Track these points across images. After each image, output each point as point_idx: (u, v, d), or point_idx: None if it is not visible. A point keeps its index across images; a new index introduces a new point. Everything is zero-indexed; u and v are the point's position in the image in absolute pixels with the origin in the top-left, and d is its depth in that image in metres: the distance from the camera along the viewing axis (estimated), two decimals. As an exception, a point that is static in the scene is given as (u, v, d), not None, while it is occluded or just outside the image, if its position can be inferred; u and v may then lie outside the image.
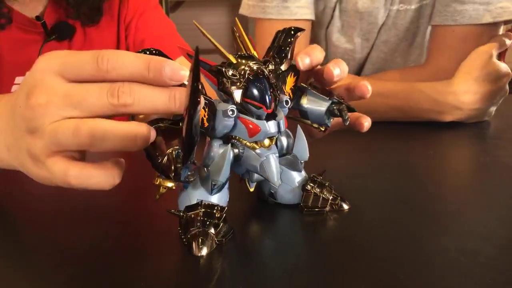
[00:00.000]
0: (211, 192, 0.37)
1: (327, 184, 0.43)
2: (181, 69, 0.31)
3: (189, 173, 0.34)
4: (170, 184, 0.34)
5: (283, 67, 0.41)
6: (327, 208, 0.42)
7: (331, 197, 0.42)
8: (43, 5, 0.78)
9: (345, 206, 0.42)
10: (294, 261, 0.34)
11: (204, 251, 0.35)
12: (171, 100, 0.32)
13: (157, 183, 0.34)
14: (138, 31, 0.87)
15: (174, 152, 0.33)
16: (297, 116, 0.44)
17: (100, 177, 0.32)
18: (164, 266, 0.34)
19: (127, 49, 0.88)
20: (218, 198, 0.38)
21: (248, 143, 0.37)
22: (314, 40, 1.01)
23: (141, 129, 0.31)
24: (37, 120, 0.31)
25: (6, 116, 0.35)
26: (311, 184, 0.42)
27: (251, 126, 0.36)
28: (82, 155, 0.34)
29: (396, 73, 0.87)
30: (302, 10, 0.87)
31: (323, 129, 0.43)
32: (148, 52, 0.34)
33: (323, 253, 0.35)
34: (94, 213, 0.44)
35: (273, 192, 0.43)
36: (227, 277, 0.32)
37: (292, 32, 0.43)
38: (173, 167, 0.33)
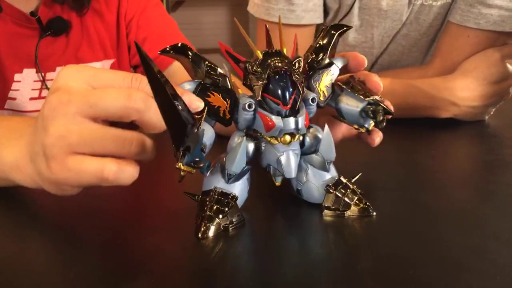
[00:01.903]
0: (227, 181, 0.39)
1: (353, 188, 0.42)
2: (197, 100, 0.35)
3: (197, 159, 0.35)
4: (188, 170, 0.35)
5: (319, 65, 0.42)
6: (348, 213, 0.41)
7: (353, 202, 0.41)
8: (37, 1, 0.77)
9: (369, 210, 0.41)
10: (298, 259, 0.35)
11: (206, 235, 0.37)
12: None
13: (177, 167, 0.35)
14: (140, 29, 0.86)
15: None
16: (338, 116, 0.44)
17: (130, 172, 0.35)
18: (174, 258, 0.35)
19: (129, 47, 0.88)
20: (238, 188, 0.39)
21: (268, 138, 0.38)
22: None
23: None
24: (54, 119, 0.33)
25: (32, 128, 0.37)
26: (334, 186, 0.41)
27: (266, 120, 0.37)
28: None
29: (399, 72, 0.86)
30: (309, 14, 0.82)
31: (363, 131, 0.43)
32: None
33: (330, 250, 0.36)
34: (104, 206, 0.44)
35: (299, 189, 0.43)
36: (238, 270, 0.33)
37: (334, 31, 0.43)
38: (174, 154, 0.34)
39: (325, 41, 0.43)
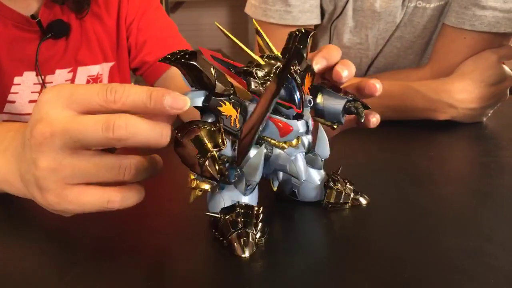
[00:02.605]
0: (244, 192, 0.37)
1: (346, 180, 0.44)
2: (182, 97, 0.33)
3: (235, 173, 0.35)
4: (206, 186, 0.35)
5: (302, 68, 0.41)
6: (350, 204, 0.43)
7: (352, 193, 0.43)
8: (37, 3, 0.78)
9: (363, 201, 0.44)
10: (307, 258, 0.35)
11: (248, 252, 0.35)
12: (164, 137, 0.33)
13: (194, 185, 0.34)
14: (140, 32, 0.87)
15: (216, 154, 0.34)
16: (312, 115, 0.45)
17: (135, 197, 0.35)
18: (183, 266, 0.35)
19: (129, 50, 0.88)
20: (250, 199, 0.38)
21: (276, 143, 0.38)
22: (316, 34, 0.98)
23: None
24: (45, 151, 0.33)
25: (19, 145, 0.36)
26: (334, 181, 0.43)
27: (281, 125, 0.37)
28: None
29: (396, 74, 0.87)
30: (305, 15, 0.82)
31: (336, 127, 0.44)
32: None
33: (329, 252, 0.37)
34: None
35: (295, 191, 0.43)
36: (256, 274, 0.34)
37: (306, 33, 0.43)
38: (217, 169, 0.33)
39: (301, 44, 0.42)
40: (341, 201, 0.43)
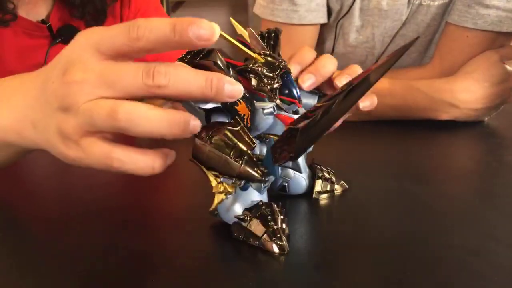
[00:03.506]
0: (261, 191, 0.37)
1: (327, 168, 0.46)
2: (209, 24, 0.30)
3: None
4: (232, 189, 0.34)
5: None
6: (338, 190, 0.46)
7: (335, 179, 0.46)
8: (47, 9, 0.78)
9: (346, 186, 0.47)
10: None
11: (286, 248, 0.35)
12: (208, 85, 0.31)
13: (221, 189, 0.33)
14: None
15: (250, 152, 0.33)
16: None
17: (142, 163, 0.32)
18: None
19: None
20: (262, 197, 0.38)
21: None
22: (322, 33, 0.99)
23: (181, 117, 0.30)
24: (72, 97, 0.31)
25: (36, 91, 0.34)
26: (320, 171, 0.45)
27: (290, 121, 0.36)
28: (114, 138, 0.33)
29: (398, 72, 0.87)
30: (312, 14, 0.83)
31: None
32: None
33: (330, 248, 0.36)
34: (106, 214, 0.44)
35: (285, 185, 0.44)
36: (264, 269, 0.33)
37: (277, 33, 0.43)
38: (256, 168, 0.33)
39: (275, 43, 0.42)
40: (328, 189, 0.45)
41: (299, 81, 0.43)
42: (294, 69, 0.44)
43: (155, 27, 0.30)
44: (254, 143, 0.33)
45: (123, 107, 0.30)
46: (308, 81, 0.43)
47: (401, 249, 0.35)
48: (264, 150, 0.37)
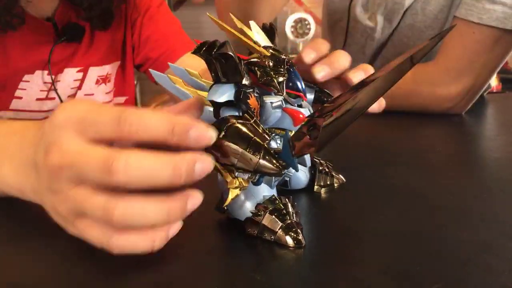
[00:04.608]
0: (272, 185, 0.37)
1: (326, 161, 0.47)
2: (208, 131, 0.29)
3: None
4: (247, 184, 0.33)
5: None
6: (336, 184, 0.46)
7: (334, 173, 0.46)
8: (53, 7, 0.78)
9: (343, 179, 0.47)
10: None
11: (303, 241, 0.34)
12: (176, 175, 0.28)
13: (237, 184, 0.33)
14: (143, 27, 0.87)
15: (266, 145, 0.33)
16: None
17: (141, 245, 0.30)
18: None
19: (133, 47, 0.88)
20: (273, 191, 0.37)
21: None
22: (335, 14, 0.99)
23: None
24: (56, 183, 0.30)
25: (30, 160, 0.33)
26: (320, 165, 0.46)
27: (296, 115, 0.37)
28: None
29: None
30: None
31: None
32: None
33: (337, 244, 0.36)
34: None
35: (287, 180, 0.44)
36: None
37: (273, 27, 0.43)
38: (275, 161, 0.32)
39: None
40: (328, 183, 0.45)
41: (313, 70, 0.43)
42: (308, 56, 0.44)
43: (151, 127, 0.28)
44: (269, 135, 0.33)
45: (118, 209, 0.28)
46: (322, 72, 0.44)
47: (408, 245, 0.35)
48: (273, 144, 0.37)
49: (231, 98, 0.33)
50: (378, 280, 0.30)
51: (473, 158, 0.60)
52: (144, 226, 0.30)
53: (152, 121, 0.29)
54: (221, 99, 0.33)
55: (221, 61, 0.32)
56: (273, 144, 0.35)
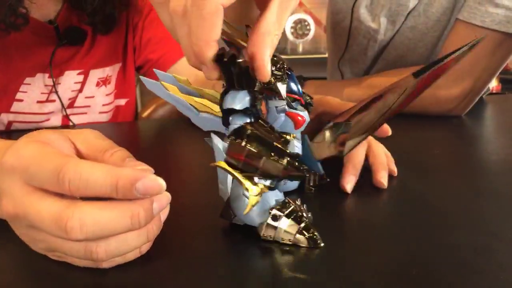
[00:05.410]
0: (280, 189, 0.37)
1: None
2: (157, 180, 0.29)
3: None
4: (267, 190, 0.33)
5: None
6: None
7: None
8: (56, 10, 0.78)
9: (327, 178, 0.46)
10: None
11: (321, 241, 0.35)
12: (135, 223, 0.29)
13: (258, 191, 0.33)
14: (145, 30, 0.87)
15: (288, 150, 0.33)
16: None
17: (131, 254, 0.32)
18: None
19: (134, 49, 0.89)
20: (280, 195, 0.37)
21: (287, 137, 0.38)
22: (338, 14, 0.99)
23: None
24: (15, 228, 0.32)
25: None
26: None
27: (300, 118, 0.38)
28: None
29: (403, 72, 0.87)
30: None
31: None
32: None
33: (334, 247, 0.36)
34: None
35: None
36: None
37: None
38: (300, 167, 0.33)
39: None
40: (317, 183, 0.45)
41: (343, 182, 0.45)
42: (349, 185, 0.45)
43: (93, 184, 0.27)
44: (286, 140, 0.34)
45: (99, 247, 0.29)
46: (350, 184, 0.45)
47: (404, 248, 0.35)
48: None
49: (247, 105, 0.33)
50: (373, 282, 0.31)
51: (472, 160, 0.60)
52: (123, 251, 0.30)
53: (93, 177, 0.28)
54: (240, 106, 0.33)
55: (236, 69, 0.32)
56: (291, 149, 0.36)
